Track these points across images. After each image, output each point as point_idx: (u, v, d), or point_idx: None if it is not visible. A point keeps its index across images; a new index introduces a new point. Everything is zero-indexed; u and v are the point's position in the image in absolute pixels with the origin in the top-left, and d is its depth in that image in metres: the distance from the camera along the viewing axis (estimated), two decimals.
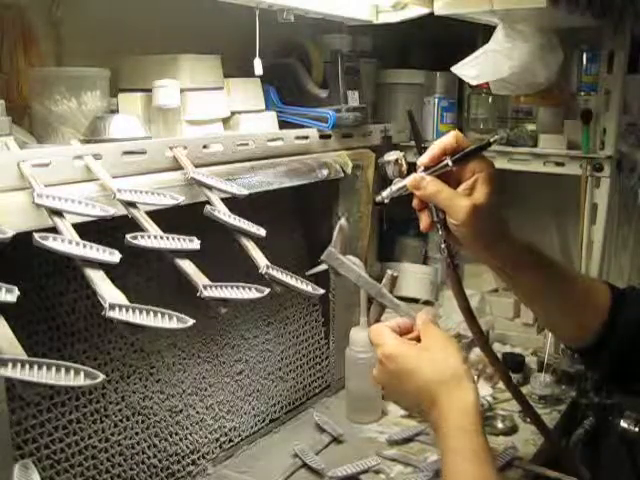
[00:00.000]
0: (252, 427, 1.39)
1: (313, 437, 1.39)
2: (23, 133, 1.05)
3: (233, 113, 1.34)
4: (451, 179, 0.89)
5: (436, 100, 1.84)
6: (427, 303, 1.92)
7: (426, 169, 0.90)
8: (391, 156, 0.96)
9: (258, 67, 1.25)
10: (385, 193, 0.94)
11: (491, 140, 0.89)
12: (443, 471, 0.79)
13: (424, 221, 0.92)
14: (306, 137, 1.43)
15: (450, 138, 0.89)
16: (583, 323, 0.95)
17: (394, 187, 0.93)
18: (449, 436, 0.79)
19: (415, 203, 0.92)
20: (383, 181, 0.95)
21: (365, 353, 1.44)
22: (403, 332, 0.90)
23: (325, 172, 1.41)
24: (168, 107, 1.18)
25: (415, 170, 0.91)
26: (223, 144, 1.21)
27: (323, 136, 1.48)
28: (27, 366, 0.66)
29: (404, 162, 0.95)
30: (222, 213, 1.02)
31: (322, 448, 1.35)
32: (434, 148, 0.89)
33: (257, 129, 1.35)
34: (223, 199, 1.08)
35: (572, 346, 1.02)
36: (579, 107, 1.68)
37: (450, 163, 0.88)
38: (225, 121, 1.32)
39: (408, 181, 0.90)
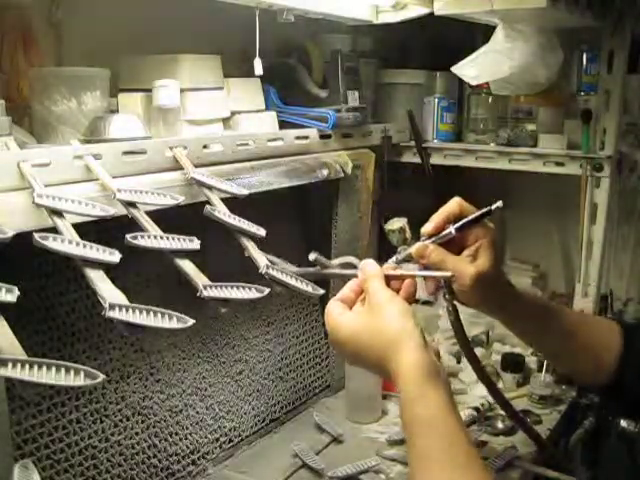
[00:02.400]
0: (252, 427, 1.39)
1: (313, 437, 1.39)
2: (23, 133, 1.05)
3: (233, 113, 1.34)
4: (454, 245, 0.92)
5: (436, 100, 1.84)
6: (427, 303, 1.92)
7: (429, 237, 0.92)
8: (395, 224, 0.97)
9: (258, 67, 1.25)
10: (390, 261, 0.95)
11: (492, 208, 0.91)
12: (403, 420, 0.77)
13: (429, 286, 0.93)
14: (306, 137, 1.43)
15: (453, 205, 0.92)
16: (600, 362, 0.97)
17: (400, 256, 0.95)
18: (401, 391, 0.77)
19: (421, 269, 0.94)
20: (389, 246, 0.97)
21: None
22: (358, 294, 0.89)
23: (325, 172, 1.41)
24: (168, 107, 1.18)
25: (419, 238, 0.94)
26: (223, 144, 1.21)
27: (323, 136, 1.48)
28: (27, 366, 0.66)
29: (407, 229, 0.96)
30: (222, 213, 1.02)
31: (322, 448, 1.35)
32: (438, 217, 0.92)
33: (257, 129, 1.35)
34: (223, 199, 1.08)
35: (592, 386, 1.04)
36: (579, 107, 1.68)
37: (453, 231, 0.91)
38: (225, 121, 1.33)
39: (413, 250, 0.92)
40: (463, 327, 0.91)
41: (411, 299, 0.87)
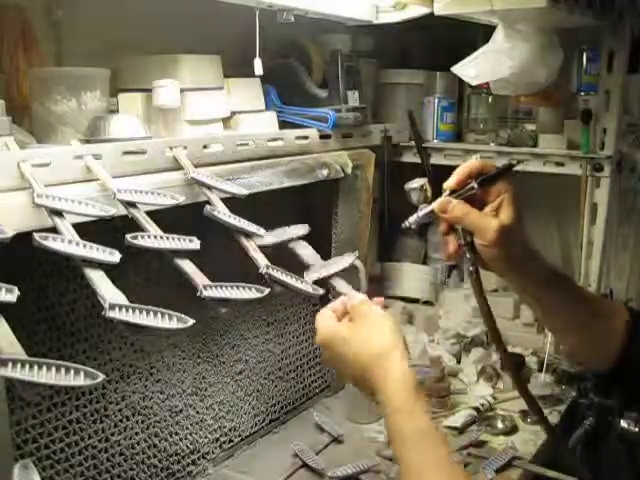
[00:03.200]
0: (252, 427, 1.39)
1: (313, 437, 1.39)
2: (23, 133, 1.05)
3: (233, 113, 1.34)
4: (475, 202, 0.90)
5: (436, 100, 1.84)
6: (427, 303, 1.92)
7: (451, 193, 0.91)
8: (415, 183, 0.97)
9: (258, 67, 1.25)
10: (412, 219, 0.95)
11: (515, 162, 0.92)
12: (389, 433, 0.81)
13: (451, 245, 0.92)
14: (306, 137, 1.43)
15: (475, 162, 0.91)
16: (606, 344, 0.96)
17: (420, 213, 0.94)
18: (389, 401, 0.80)
19: (442, 228, 0.93)
20: (409, 207, 0.96)
21: None
22: (346, 311, 0.93)
23: (325, 172, 1.41)
24: (168, 107, 1.18)
25: (440, 195, 0.93)
26: (223, 144, 1.21)
27: (323, 136, 1.48)
28: (27, 366, 0.66)
29: (429, 188, 0.96)
30: (222, 213, 1.02)
31: (322, 448, 1.35)
32: (460, 172, 0.91)
33: (257, 129, 1.35)
34: (223, 199, 1.08)
35: (595, 370, 1.03)
36: (579, 107, 1.68)
37: (476, 185, 0.89)
38: (225, 121, 1.33)
39: (435, 205, 0.91)
40: (483, 289, 0.91)
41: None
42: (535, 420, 1.43)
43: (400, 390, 0.80)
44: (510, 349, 1.73)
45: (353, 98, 1.52)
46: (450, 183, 0.91)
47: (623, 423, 1.42)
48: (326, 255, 1.20)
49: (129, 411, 1.14)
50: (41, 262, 1.01)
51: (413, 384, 0.81)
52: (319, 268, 1.04)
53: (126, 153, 1.04)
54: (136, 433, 1.15)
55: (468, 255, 0.90)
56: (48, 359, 0.67)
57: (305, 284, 1.02)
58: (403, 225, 0.97)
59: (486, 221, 0.88)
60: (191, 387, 1.26)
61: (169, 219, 0.97)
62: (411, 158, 1.85)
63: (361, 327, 0.87)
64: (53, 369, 0.67)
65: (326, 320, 0.90)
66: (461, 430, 1.41)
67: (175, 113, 1.20)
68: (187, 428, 1.25)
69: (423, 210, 0.93)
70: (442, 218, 0.91)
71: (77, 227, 0.86)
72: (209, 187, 1.08)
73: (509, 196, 0.89)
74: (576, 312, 0.96)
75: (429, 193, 0.95)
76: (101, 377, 0.69)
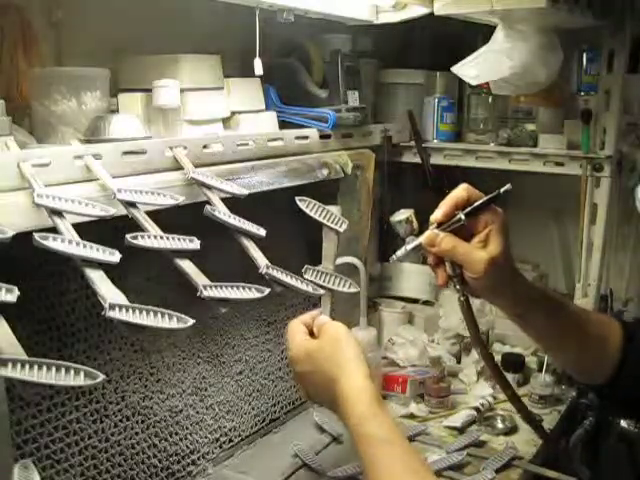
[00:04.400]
0: (252, 427, 1.39)
1: (313, 437, 1.39)
2: (23, 133, 1.05)
3: (233, 113, 1.34)
4: (463, 232, 0.90)
5: (436, 100, 1.84)
6: (427, 303, 1.92)
7: (438, 225, 0.91)
8: (401, 215, 0.97)
9: (258, 67, 1.25)
10: (399, 252, 0.95)
11: (501, 191, 0.90)
12: (356, 440, 0.81)
13: (440, 276, 0.92)
14: (306, 137, 1.43)
15: (461, 192, 0.90)
16: (600, 358, 0.97)
17: (408, 246, 0.94)
18: (356, 411, 0.82)
19: (430, 260, 0.93)
20: (391, 240, 0.98)
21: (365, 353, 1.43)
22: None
23: (325, 172, 1.41)
24: (168, 107, 1.18)
25: (427, 228, 0.92)
26: (223, 144, 1.21)
27: (323, 136, 1.48)
28: (27, 366, 0.66)
29: (415, 220, 0.95)
30: (222, 213, 1.02)
31: (322, 448, 1.35)
32: (446, 204, 0.90)
33: (257, 129, 1.35)
34: (223, 199, 1.08)
35: (590, 384, 1.03)
36: (579, 107, 1.68)
37: (463, 218, 0.89)
38: (225, 121, 1.32)
39: (423, 239, 0.91)
40: (474, 317, 0.92)
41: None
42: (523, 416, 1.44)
43: (360, 399, 0.82)
44: (510, 349, 1.73)
45: (353, 98, 1.52)
46: (437, 216, 0.90)
47: (623, 423, 1.42)
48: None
49: (129, 411, 1.14)
50: (41, 262, 1.01)
51: (374, 394, 0.83)
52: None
53: (126, 153, 1.04)
54: (136, 433, 1.15)
55: (457, 287, 0.91)
56: (48, 359, 0.67)
57: (305, 284, 1.02)
58: (390, 259, 0.98)
59: (474, 254, 0.88)
60: (191, 387, 1.26)
61: (169, 219, 0.97)
62: (411, 158, 1.85)
63: (327, 343, 0.90)
64: (53, 369, 0.67)
65: (295, 337, 0.93)
66: (461, 430, 1.41)
67: (175, 113, 1.20)
68: (187, 428, 1.25)
69: (411, 244, 0.93)
70: (430, 251, 0.91)
71: (77, 227, 0.86)
72: (209, 187, 1.08)
73: (497, 226, 0.88)
74: (572, 331, 0.96)
75: (415, 225, 0.95)
76: (101, 377, 0.69)
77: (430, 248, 0.90)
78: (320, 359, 0.89)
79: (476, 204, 0.89)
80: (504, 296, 0.93)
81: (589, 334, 0.96)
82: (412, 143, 1.82)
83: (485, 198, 0.89)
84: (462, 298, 0.92)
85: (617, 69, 1.57)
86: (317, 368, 0.89)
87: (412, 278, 1.94)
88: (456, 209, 0.90)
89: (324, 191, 1.50)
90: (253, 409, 1.40)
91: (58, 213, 0.87)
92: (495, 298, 0.95)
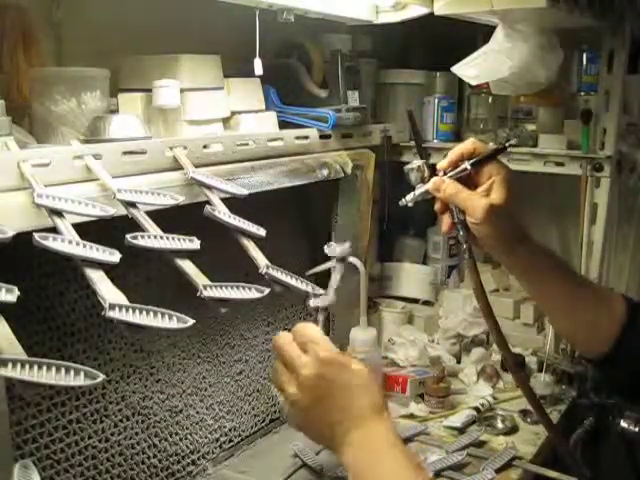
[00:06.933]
0: (252, 427, 1.39)
1: None
2: (23, 133, 1.05)
3: (233, 113, 1.34)
4: (470, 183, 0.96)
5: (436, 100, 1.84)
6: (427, 303, 1.92)
7: (445, 173, 0.97)
8: (414, 164, 1.03)
9: (258, 67, 1.25)
10: (409, 197, 1.01)
11: (507, 144, 0.98)
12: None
13: (445, 222, 0.98)
14: (306, 137, 1.43)
15: (468, 144, 0.96)
16: (601, 329, 0.97)
17: (417, 191, 1.00)
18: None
19: (437, 206, 0.99)
20: (408, 186, 1.03)
21: (365, 353, 1.44)
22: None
23: (325, 172, 1.41)
24: (168, 107, 1.18)
25: (436, 175, 0.98)
26: (223, 144, 1.21)
27: (323, 136, 1.48)
28: (27, 366, 0.66)
29: (426, 168, 1.02)
30: (222, 213, 1.02)
31: (322, 448, 1.35)
32: (452, 153, 0.97)
33: (257, 129, 1.35)
34: (223, 199, 1.08)
35: (589, 356, 1.03)
36: (579, 107, 1.68)
37: (468, 166, 0.95)
38: (225, 121, 1.32)
39: (430, 184, 0.97)
40: (477, 266, 0.97)
41: None
42: (536, 420, 1.44)
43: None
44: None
45: (353, 98, 1.52)
46: (443, 164, 0.97)
47: (623, 423, 1.42)
48: (326, 256, 1.20)
49: (129, 411, 1.14)
50: (41, 262, 1.02)
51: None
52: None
53: (126, 153, 1.04)
54: (136, 433, 1.15)
55: (461, 232, 0.96)
56: (48, 359, 0.67)
57: (305, 284, 1.02)
58: (400, 203, 1.03)
59: (475, 199, 0.93)
60: (191, 387, 1.26)
61: (169, 219, 0.97)
62: (411, 158, 1.84)
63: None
64: (53, 369, 0.67)
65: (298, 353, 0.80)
66: (461, 430, 1.41)
67: (175, 113, 1.20)
68: (187, 428, 1.25)
69: (419, 189, 1.00)
70: (436, 197, 0.97)
71: (77, 227, 0.86)
72: (209, 187, 1.08)
73: (500, 178, 0.94)
74: (574, 295, 0.98)
75: (426, 174, 1.01)
76: (101, 377, 0.69)
77: (435, 193, 0.97)
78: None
79: (482, 155, 0.95)
80: (507, 251, 0.97)
81: (590, 301, 0.98)
82: (412, 143, 1.82)
83: (491, 150, 0.96)
84: (465, 245, 0.97)
85: (617, 69, 1.57)
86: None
87: (412, 278, 1.94)
88: (462, 159, 0.96)
89: (324, 191, 1.50)
90: (253, 409, 1.40)
91: (58, 213, 0.87)
92: (499, 251, 0.98)
